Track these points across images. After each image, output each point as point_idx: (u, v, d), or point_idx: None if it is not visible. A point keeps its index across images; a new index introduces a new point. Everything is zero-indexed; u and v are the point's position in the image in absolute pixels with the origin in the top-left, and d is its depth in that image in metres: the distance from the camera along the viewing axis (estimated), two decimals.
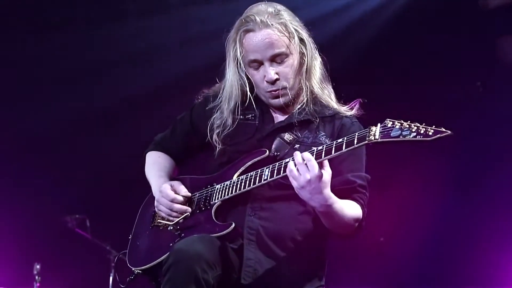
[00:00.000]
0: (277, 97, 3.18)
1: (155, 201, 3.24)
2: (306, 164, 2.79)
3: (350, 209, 3.03)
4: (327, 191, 2.85)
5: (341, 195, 3.06)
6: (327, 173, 2.82)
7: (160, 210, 3.21)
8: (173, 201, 3.16)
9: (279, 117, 3.26)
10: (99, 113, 7.49)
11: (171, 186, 3.22)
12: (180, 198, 3.17)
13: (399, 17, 7.09)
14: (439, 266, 7.60)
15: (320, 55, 3.28)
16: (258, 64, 3.17)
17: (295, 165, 2.81)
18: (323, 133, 3.18)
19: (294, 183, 2.83)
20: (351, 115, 3.23)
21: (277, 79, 3.15)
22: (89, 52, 7.19)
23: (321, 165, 2.81)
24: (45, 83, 7.22)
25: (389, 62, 7.16)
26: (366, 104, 3.30)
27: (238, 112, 3.26)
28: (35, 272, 6.55)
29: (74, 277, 7.13)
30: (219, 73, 3.36)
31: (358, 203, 3.09)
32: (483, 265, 7.20)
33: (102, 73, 7.34)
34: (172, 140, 3.50)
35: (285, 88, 3.17)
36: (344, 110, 3.25)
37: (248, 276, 3.02)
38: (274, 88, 3.17)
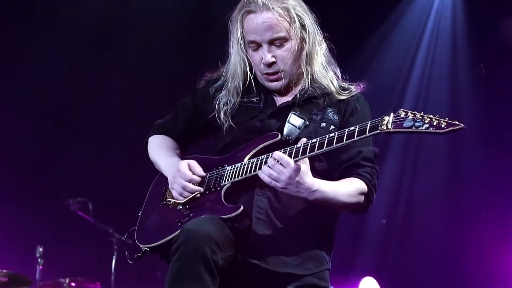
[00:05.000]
0: (273, 80, 3.21)
1: (170, 178, 3.22)
2: (280, 162, 2.88)
3: (347, 186, 3.05)
4: (310, 179, 2.94)
5: (346, 171, 3.11)
6: (304, 164, 2.92)
7: (173, 188, 3.20)
8: (189, 181, 3.14)
9: (280, 100, 3.27)
10: (99, 97, 7.50)
11: (188, 165, 3.20)
12: (197, 179, 3.15)
13: None
14: (443, 253, 7.61)
15: (326, 41, 3.29)
16: (256, 45, 3.19)
17: (271, 168, 2.91)
18: (330, 109, 3.20)
19: (278, 185, 2.93)
20: (354, 91, 3.26)
21: (273, 62, 3.17)
22: None
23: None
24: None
25: None
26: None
27: (241, 92, 3.28)
28: (38, 255, 6.57)
29: (76, 259, 7.15)
30: (222, 56, 3.36)
31: (362, 178, 3.10)
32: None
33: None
34: (175, 123, 3.48)
35: (281, 71, 3.19)
36: (348, 86, 3.27)
37: (255, 255, 3.03)
38: (270, 71, 3.19)
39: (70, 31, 7.27)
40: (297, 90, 3.25)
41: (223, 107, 3.27)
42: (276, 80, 3.21)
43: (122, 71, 7.43)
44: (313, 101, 3.21)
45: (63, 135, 7.48)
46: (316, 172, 3.10)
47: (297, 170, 2.88)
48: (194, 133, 3.48)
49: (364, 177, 3.10)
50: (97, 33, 7.37)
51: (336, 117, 3.18)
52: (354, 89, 3.27)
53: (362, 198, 3.08)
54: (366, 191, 3.09)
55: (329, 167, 3.16)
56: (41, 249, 6.58)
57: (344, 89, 3.26)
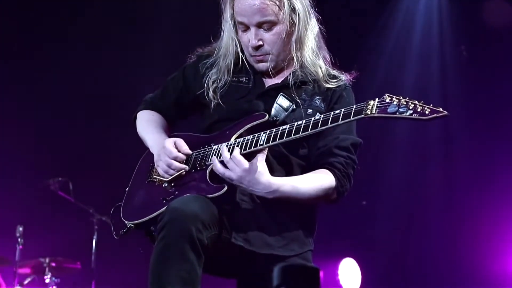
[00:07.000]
0: (260, 61, 3.20)
1: (156, 156, 3.20)
2: (233, 161, 2.90)
3: (313, 182, 3.02)
4: (266, 178, 2.92)
5: (320, 158, 3.10)
6: (259, 162, 2.91)
7: (158, 166, 3.18)
8: (174, 159, 3.12)
9: (269, 82, 3.25)
10: (83, 79, 7.47)
11: (174, 143, 3.18)
12: (182, 157, 3.13)
13: None
14: (424, 234, 7.66)
15: (319, 26, 3.26)
16: (245, 27, 3.17)
17: (225, 163, 2.93)
18: (318, 96, 3.18)
19: (231, 182, 2.94)
20: (342, 81, 3.22)
21: (260, 45, 3.16)
22: None
23: (249, 156, 2.92)
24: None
25: None
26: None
27: (232, 72, 3.26)
28: (17, 234, 6.56)
29: (57, 239, 7.14)
30: (213, 33, 3.34)
31: (332, 169, 3.07)
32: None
33: None
34: (164, 99, 3.46)
35: (269, 54, 3.17)
36: (338, 74, 3.24)
37: (239, 237, 3.03)
38: (257, 53, 3.18)
39: None
40: (287, 73, 3.23)
41: (212, 84, 3.25)
42: (262, 61, 3.19)
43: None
44: (302, 87, 3.19)
45: (45, 115, 7.44)
46: (299, 158, 3.11)
47: (249, 170, 2.88)
48: (183, 109, 3.46)
49: (335, 168, 3.07)
50: None
51: (323, 105, 3.15)
52: (344, 77, 3.24)
53: (329, 192, 3.05)
54: (335, 184, 3.05)
55: (309, 152, 3.15)
56: (21, 229, 6.56)
57: (333, 77, 3.23)
